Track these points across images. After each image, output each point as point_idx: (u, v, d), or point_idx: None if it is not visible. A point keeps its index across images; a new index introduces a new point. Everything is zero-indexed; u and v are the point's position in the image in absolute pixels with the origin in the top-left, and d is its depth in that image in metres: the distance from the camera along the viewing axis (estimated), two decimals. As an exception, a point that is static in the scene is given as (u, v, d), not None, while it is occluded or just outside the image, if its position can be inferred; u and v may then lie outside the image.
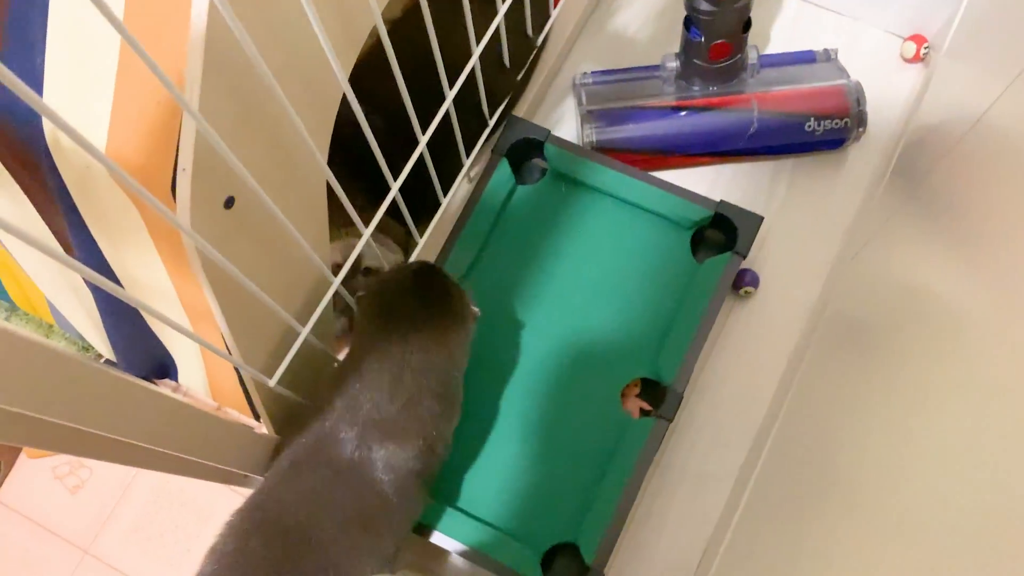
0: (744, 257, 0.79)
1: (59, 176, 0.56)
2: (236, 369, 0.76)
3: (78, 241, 0.63)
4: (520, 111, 0.90)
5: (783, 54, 0.90)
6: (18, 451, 0.88)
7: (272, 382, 0.64)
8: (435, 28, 0.62)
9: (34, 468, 0.88)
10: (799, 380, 0.73)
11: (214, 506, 0.88)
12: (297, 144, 0.55)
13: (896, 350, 0.56)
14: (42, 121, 0.52)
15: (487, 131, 0.85)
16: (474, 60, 0.72)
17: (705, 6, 0.78)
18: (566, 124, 0.93)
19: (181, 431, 0.55)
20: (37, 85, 0.53)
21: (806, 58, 0.90)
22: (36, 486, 0.88)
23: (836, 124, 0.85)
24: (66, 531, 0.86)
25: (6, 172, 0.61)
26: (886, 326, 0.61)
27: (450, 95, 0.70)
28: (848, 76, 0.86)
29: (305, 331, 0.65)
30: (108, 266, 0.66)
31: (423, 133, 0.69)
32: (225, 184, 0.49)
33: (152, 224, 0.60)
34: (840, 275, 0.80)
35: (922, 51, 0.89)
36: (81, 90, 0.50)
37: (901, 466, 0.45)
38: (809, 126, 0.85)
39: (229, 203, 0.51)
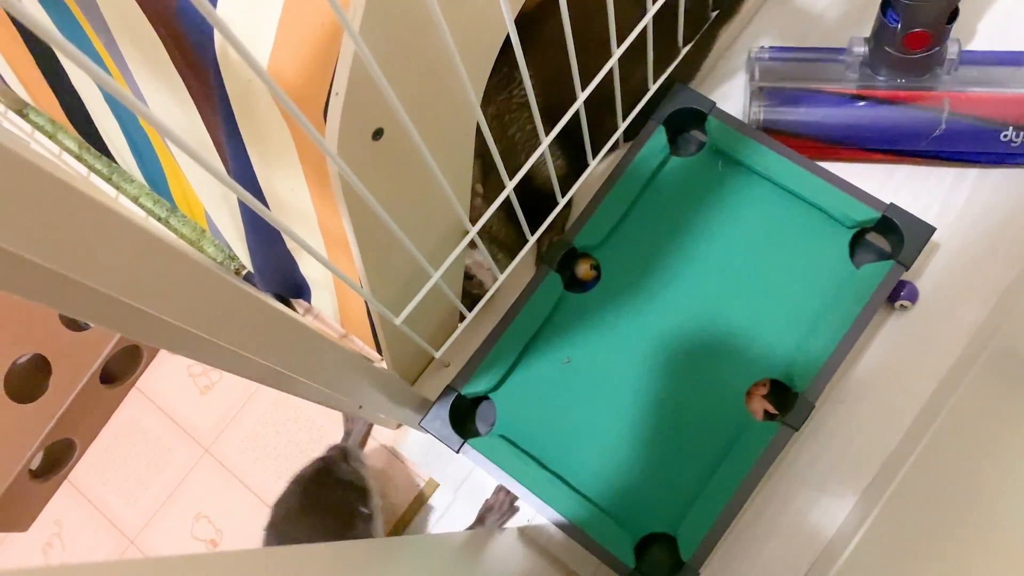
0: (907, 268, 0.73)
1: (223, 87, 0.58)
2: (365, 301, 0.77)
3: (233, 153, 0.64)
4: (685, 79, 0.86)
5: (988, 52, 0.81)
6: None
7: (398, 320, 0.64)
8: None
9: (172, 363, 0.93)
10: (951, 409, 0.67)
11: (326, 427, 0.90)
12: (452, 85, 0.54)
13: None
14: (214, 31, 0.54)
15: (647, 96, 0.81)
16: (647, 20, 0.68)
17: (909, -12, 0.71)
18: (733, 99, 0.88)
19: (304, 355, 0.56)
20: (213, -4, 0.55)
21: (1014, 60, 0.80)
22: (171, 381, 0.93)
23: (1039, 137, 0.76)
24: (191, 427, 0.92)
25: (179, 77, 0.63)
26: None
27: (617, 52, 0.67)
28: (1062, 85, 0.77)
29: (436, 275, 0.65)
30: (257, 182, 0.67)
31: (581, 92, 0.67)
32: (376, 115, 0.49)
33: (302, 147, 0.61)
34: (1016, 304, 0.72)
35: None
36: (251, 4, 0.51)
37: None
38: (1006, 135, 0.76)
39: (378, 134, 0.50)
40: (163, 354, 0.93)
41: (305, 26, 0.49)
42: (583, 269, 0.81)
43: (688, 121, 0.82)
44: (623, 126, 0.80)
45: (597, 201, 0.80)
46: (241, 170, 0.66)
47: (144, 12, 0.56)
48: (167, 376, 0.93)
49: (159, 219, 0.92)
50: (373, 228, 0.56)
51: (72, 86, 0.87)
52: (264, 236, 0.78)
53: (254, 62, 0.35)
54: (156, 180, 0.89)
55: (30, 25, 0.24)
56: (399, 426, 0.91)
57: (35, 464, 0.91)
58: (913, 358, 0.77)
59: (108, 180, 0.93)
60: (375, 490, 0.81)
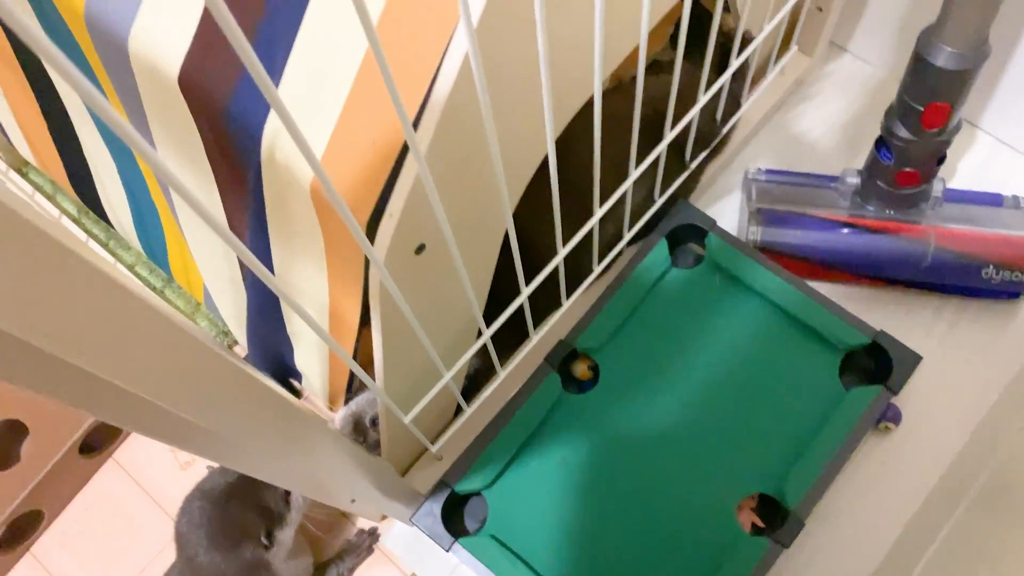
0: (895, 394, 0.76)
1: (260, 184, 0.59)
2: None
3: (253, 237, 0.65)
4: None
5: (968, 192, 0.87)
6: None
7: (407, 419, 0.64)
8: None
9: (151, 437, 0.92)
10: (944, 539, 0.69)
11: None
12: (491, 202, 0.56)
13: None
14: (265, 122, 0.55)
15: (652, 209, 0.84)
16: (668, 139, 0.72)
17: (903, 133, 0.76)
18: (728, 215, 0.92)
19: (307, 448, 0.56)
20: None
21: (992, 201, 0.86)
22: (151, 453, 0.91)
23: (1017, 277, 0.81)
24: (167, 502, 0.89)
25: (208, 164, 0.64)
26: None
27: (633, 175, 0.70)
28: (1037, 228, 0.82)
29: (448, 375, 0.66)
30: (272, 268, 0.68)
31: (598, 209, 0.69)
32: (423, 233, 0.50)
33: (332, 247, 0.62)
34: (1004, 439, 0.76)
35: (1122, 217, 0.84)
36: (308, 111, 0.52)
37: None
38: (987, 273, 0.81)
39: (420, 249, 0.52)
40: (144, 426, 0.92)
41: (356, 143, 0.51)
42: (581, 369, 0.83)
43: (688, 235, 0.85)
44: (628, 236, 0.83)
45: (599, 306, 0.82)
46: (258, 253, 0.66)
47: (190, 107, 0.58)
48: (146, 448, 0.91)
49: (154, 289, 0.91)
50: (399, 331, 0.57)
51: (80, 146, 0.87)
52: (267, 321, 0.78)
53: (312, 156, 0.33)
54: (156, 250, 0.89)
55: (31, 42, 0.21)
56: (384, 518, 0.90)
57: (-4, 534, 0.88)
58: (895, 478, 0.80)
59: (105, 246, 0.92)
60: (291, 533, 0.82)
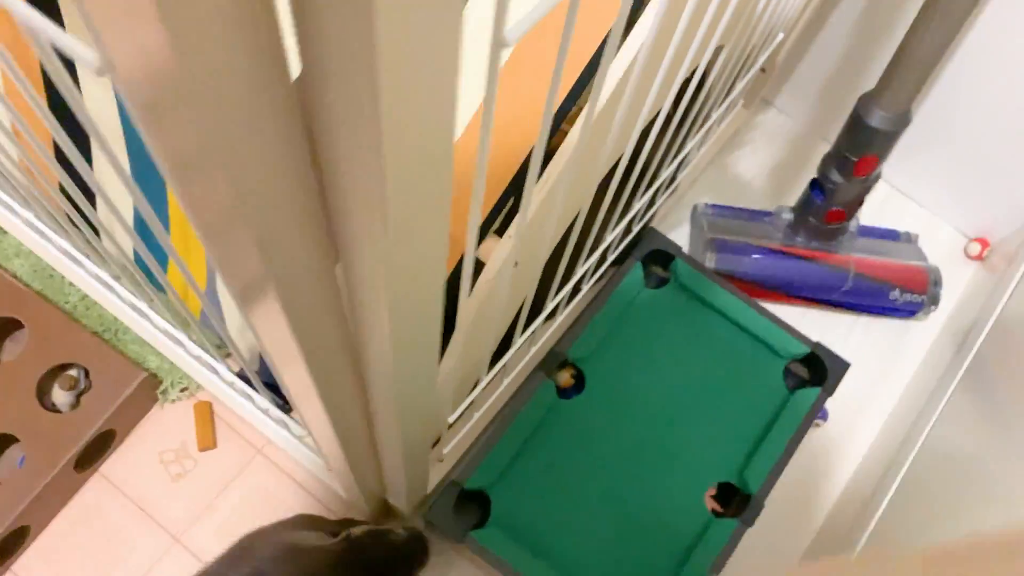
0: (831, 395, 0.92)
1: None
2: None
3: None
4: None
5: (873, 227, 1.05)
6: (131, 427, 0.92)
7: (451, 418, 0.72)
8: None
9: (142, 448, 0.92)
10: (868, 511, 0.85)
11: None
12: (551, 233, 0.65)
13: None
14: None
15: (618, 239, 0.96)
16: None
17: (837, 178, 0.93)
18: (680, 242, 1.05)
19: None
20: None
21: (891, 236, 1.05)
22: (140, 466, 0.91)
23: (915, 298, 0.99)
24: (161, 516, 0.90)
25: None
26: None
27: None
28: (927, 260, 1.01)
29: (487, 379, 0.74)
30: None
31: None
32: (524, 252, 0.59)
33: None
34: (905, 427, 0.93)
35: (984, 253, 1.05)
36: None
37: None
38: (893, 295, 0.99)
39: (516, 264, 0.60)
40: (133, 438, 0.91)
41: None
42: (564, 377, 0.93)
43: (654, 259, 0.98)
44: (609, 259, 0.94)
45: (584, 320, 0.93)
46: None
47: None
48: (135, 461, 0.91)
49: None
50: (472, 337, 0.64)
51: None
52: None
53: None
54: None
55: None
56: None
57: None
58: (826, 465, 0.96)
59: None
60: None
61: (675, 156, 0.95)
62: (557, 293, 0.89)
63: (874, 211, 1.09)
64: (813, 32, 1.02)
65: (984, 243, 1.06)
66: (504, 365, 0.83)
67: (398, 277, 0.31)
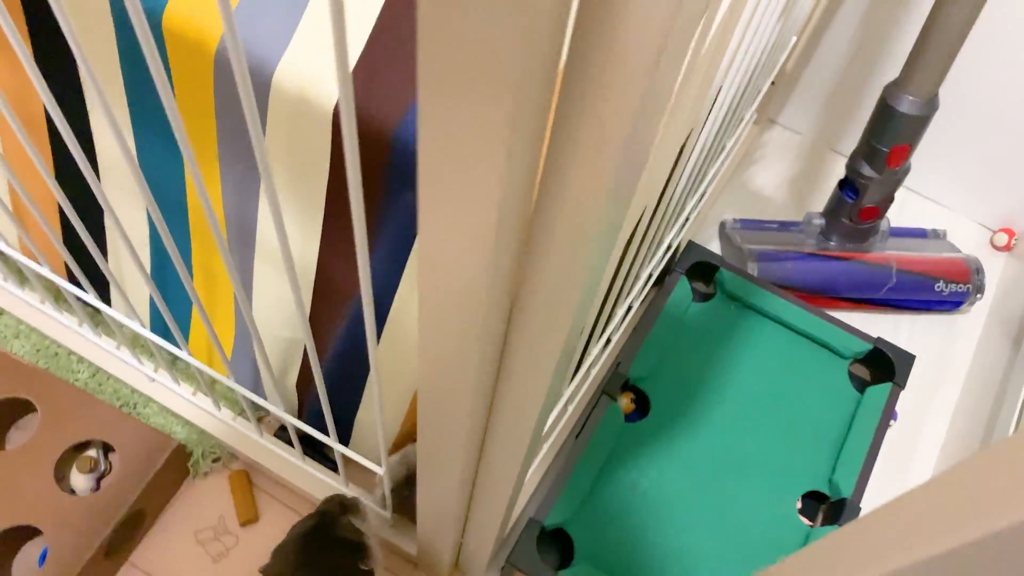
0: (903, 388, 0.88)
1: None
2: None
3: (384, 276, 0.66)
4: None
5: (901, 227, 1.05)
6: (163, 506, 0.83)
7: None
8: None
9: (175, 531, 0.82)
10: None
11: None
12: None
13: None
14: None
15: (665, 254, 0.93)
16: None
17: (868, 171, 0.92)
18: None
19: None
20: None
21: (919, 234, 1.05)
22: (176, 549, 0.82)
23: (960, 288, 0.98)
24: (202, 602, 0.80)
25: (324, 190, 0.64)
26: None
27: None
28: (961, 252, 1.01)
29: (552, 418, 0.68)
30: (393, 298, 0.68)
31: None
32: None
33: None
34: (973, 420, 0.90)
35: (1012, 242, 1.06)
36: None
37: None
38: (938, 287, 0.98)
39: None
40: (163, 522, 0.82)
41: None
42: (624, 403, 0.88)
43: (695, 273, 0.95)
44: (655, 275, 0.91)
45: (639, 339, 0.88)
46: (386, 285, 0.66)
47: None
48: (170, 543, 0.81)
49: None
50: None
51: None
52: (347, 369, 0.76)
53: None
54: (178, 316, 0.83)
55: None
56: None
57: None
58: (904, 463, 0.91)
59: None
60: (377, 546, 0.74)
61: (707, 168, 0.94)
62: (610, 318, 0.86)
63: (894, 216, 1.09)
64: (815, 43, 1.04)
65: (1010, 232, 1.06)
66: (568, 396, 0.78)
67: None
